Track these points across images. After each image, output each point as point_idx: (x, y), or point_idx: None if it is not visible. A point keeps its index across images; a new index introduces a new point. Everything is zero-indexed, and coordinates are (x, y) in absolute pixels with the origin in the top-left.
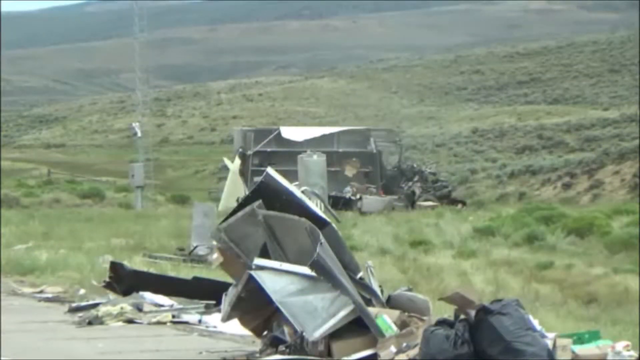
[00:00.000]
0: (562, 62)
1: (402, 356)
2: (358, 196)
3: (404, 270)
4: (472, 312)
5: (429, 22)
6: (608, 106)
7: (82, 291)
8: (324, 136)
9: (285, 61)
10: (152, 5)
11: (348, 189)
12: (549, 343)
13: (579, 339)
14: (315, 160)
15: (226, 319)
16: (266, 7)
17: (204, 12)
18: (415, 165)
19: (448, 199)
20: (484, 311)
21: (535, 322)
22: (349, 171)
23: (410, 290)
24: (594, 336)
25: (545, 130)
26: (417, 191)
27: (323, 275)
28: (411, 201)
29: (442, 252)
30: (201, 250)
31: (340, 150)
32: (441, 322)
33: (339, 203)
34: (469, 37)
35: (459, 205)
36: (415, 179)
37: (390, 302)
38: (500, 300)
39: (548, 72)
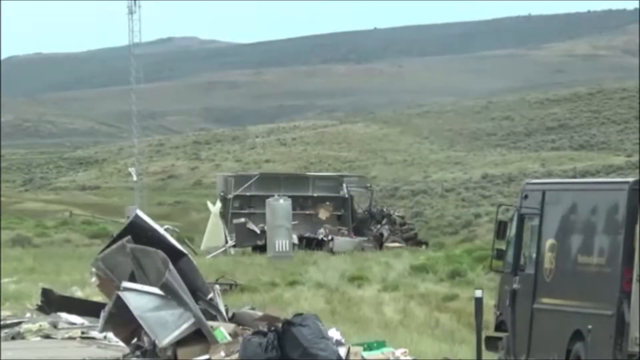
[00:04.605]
0: (591, 108)
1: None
2: (330, 237)
3: (330, 301)
4: (280, 325)
5: (475, 66)
6: (631, 152)
7: (28, 314)
8: (300, 181)
9: (330, 105)
10: (198, 49)
11: (321, 230)
12: (344, 350)
13: (369, 347)
14: (281, 204)
15: (101, 330)
16: (312, 51)
17: (250, 55)
18: (384, 209)
19: (414, 241)
20: (288, 323)
21: (337, 334)
22: (323, 214)
23: (252, 309)
24: (381, 345)
25: (552, 176)
26: (385, 233)
27: (171, 295)
28: (379, 242)
29: (372, 286)
30: None
31: (315, 194)
32: (257, 332)
33: (312, 243)
34: (514, 82)
35: (423, 247)
36: (384, 222)
37: (235, 318)
38: (301, 314)
39: (576, 119)
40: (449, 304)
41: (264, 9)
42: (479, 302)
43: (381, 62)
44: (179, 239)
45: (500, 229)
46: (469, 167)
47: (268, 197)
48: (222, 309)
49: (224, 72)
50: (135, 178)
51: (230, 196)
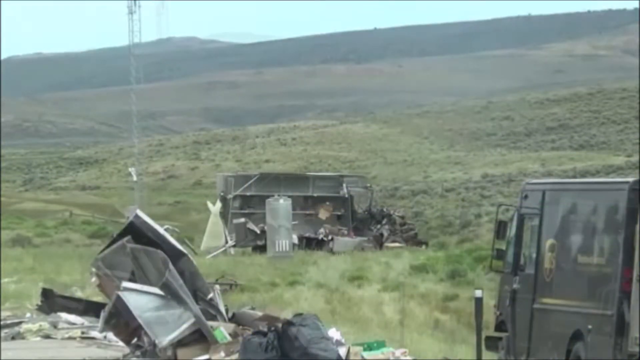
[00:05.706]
0: (591, 108)
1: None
2: (330, 237)
3: (330, 301)
4: (280, 325)
5: (475, 66)
6: (631, 152)
7: (28, 314)
8: (300, 181)
9: (330, 105)
10: (198, 49)
11: (321, 230)
12: (344, 350)
13: (369, 347)
14: (281, 204)
15: (101, 330)
16: (312, 51)
17: (250, 55)
18: (384, 209)
19: (414, 241)
20: (288, 324)
21: (338, 334)
22: (323, 214)
23: (253, 309)
24: (381, 345)
25: (552, 176)
26: (385, 233)
27: (171, 295)
28: (379, 242)
29: (372, 286)
30: None
31: (315, 194)
32: (257, 332)
33: (312, 243)
34: (514, 82)
35: (423, 247)
36: (384, 222)
37: (235, 318)
38: (301, 315)
39: (577, 119)
40: (449, 304)
41: (264, 9)
42: (479, 302)
43: (381, 62)
44: (179, 239)
45: (500, 229)
46: (469, 167)
47: (268, 197)
48: (222, 309)
49: (224, 72)
50: (135, 178)
51: (230, 196)
